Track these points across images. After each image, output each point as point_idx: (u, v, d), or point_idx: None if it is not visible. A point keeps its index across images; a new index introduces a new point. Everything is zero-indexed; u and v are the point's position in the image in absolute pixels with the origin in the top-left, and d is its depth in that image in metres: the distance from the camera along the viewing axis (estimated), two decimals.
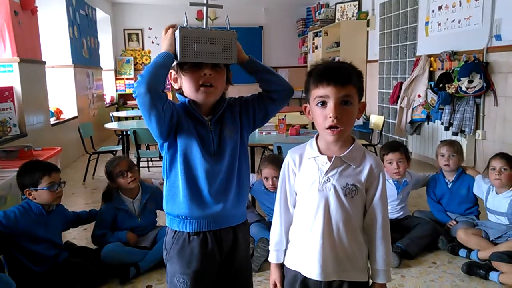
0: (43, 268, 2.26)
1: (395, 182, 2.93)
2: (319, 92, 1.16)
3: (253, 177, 2.99)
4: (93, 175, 4.90)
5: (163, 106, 1.23)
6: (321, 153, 1.24)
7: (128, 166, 2.63)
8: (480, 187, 2.82)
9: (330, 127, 1.16)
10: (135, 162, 4.26)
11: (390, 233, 1.26)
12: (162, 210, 2.90)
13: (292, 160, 1.29)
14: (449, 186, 3.00)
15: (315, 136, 1.28)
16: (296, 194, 1.30)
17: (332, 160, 1.21)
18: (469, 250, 2.61)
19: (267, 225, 2.67)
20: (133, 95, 1.24)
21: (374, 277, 1.25)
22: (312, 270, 1.23)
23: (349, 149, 1.22)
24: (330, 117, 1.15)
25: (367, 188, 1.23)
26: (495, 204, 2.69)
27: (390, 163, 2.90)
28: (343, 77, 1.15)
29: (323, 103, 1.17)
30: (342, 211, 1.21)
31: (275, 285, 1.34)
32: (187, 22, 1.30)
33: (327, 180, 1.21)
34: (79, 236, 2.81)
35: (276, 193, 2.80)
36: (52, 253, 2.32)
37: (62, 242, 2.51)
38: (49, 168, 2.28)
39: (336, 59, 6.82)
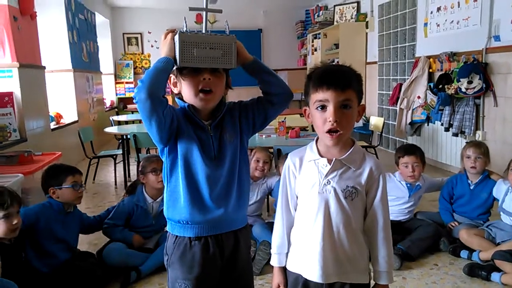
0: (50, 269, 2.29)
1: (408, 185, 2.88)
2: (318, 96, 1.17)
3: (276, 177, 2.99)
4: (94, 179, 4.89)
5: (164, 111, 1.23)
6: (321, 156, 1.24)
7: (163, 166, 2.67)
8: (499, 189, 2.76)
9: (329, 131, 1.17)
10: (136, 166, 4.26)
11: (391, 235, 1.26)
12: None
13: (292, 163, 1.29)
14: (471, 187, 2.92)
15: (315, 139, 1.28)
16: (297, 197, 1.30)
17: (332, 163, 1.22)
18: (471, 251, 2.61)
19: (270, 226, 2.66)
20: (134, 101, 1.23)
21: (376, 279, 1.26)
22: (313, 273, 1.23)
23: (349, 151, 1.22)
24: (329, 121, 1.15)
25: (367, 190, 1.23)
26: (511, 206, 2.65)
27: (405, 166, 2.84)
28: (343, 81, 1.16)
29: (323, 107, 1.17)
30: (342, 213, 1.21)
31: None
32: (186, 26, 1.30)
33: (327, 182, 1.22)
34: (80, 240, 2.79)
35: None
36: (66, 256, 2.40)
37: (77, 246, 2.57)
38: (72, 170, 2.48)
39: (336, 61, 6.83)
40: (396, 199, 2.89)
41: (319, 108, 1.18)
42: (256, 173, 2.95)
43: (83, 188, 2.49)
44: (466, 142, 3.14)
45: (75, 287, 2.26)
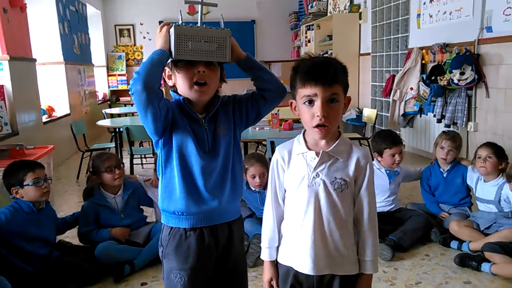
0: (36, 267, 2.26)
1: (387, 171, 2.97)
2: (306, 91, 1.17)
3: None
4: (87, 172, 4.84)
5: (159, 103, 1.25)
6: (309, 149, 1.25)
7: (116, 162, 2.64)
8: (471, 177, 2.88)
9: (317, 126, 1.18)
10: (129, 159, 4.25)
11: (377, 225, 1.27)
12: (147, 205, 2.85)
13: (281, 157, 1.30)
14: (444, 175, 3.03)
15: (302, 131, 1.29)
16: (285, 191, 1.31)
17: (319, 156, 1.22)
18: (461, 242, 2.64)
19: (260, 221, 2.66)
20: (130, 92, 1.25)
21: (361, 268, 1.27)
22: (304, 265, 1.24)
23: (336, 143, 1.23)
24: (317, 116, 1.16)
25: (355, 179, 1.24)
26: (483, 193, 2.76)
27: (393, 155, 2.93)
28: (330, 76, 1.17)
29: (311, 102, 1.18)
30: (332, 205, 1.22)
31: (270, 282, 1.35)
32: (181, 19, 1.32)
33: (316, 175, 1.23)
34: (72, 234, 2.80)
35: (259, 192, 2.76)
36: (45, 251, 2.34)
37: (56, 240, 2.52)
38: (32, 165, 2.33)
39: (329, 53, 6.82)
40: (378, 187, 2.92)
41: (306, 103, 1.18)
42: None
43: (49, 182, 2.36)
44: (443, 132, 3.19)
45: (67, 282, 2.25)
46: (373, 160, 3.04)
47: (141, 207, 2.82)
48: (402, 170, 3.07)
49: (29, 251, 2.25)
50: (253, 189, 2.80)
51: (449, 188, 3.02)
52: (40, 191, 2.29)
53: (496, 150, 2.72)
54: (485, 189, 2.75)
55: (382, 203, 2.94)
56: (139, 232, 2.67)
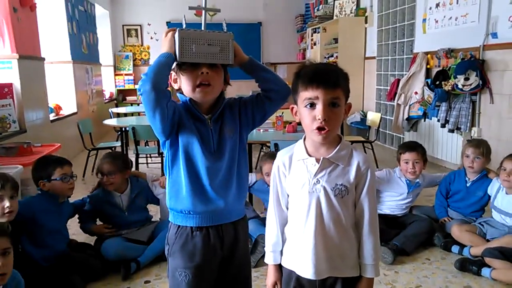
0: (48, 262, 2.30)
1: (408, 182, 2.91)
2: (308, 94, 1.19)
3: (253, 177, 3.03)
4: (92, 171, 4.90)
5: (167, 103, 1.29)
6: (309, 155, 1.26)
7: (108, 171, 2.67)
8: (493, 184, 2.78)
9: (318, 128, 1.19)
10: (134, 159, 4.29)
11: (378, 229, 1.28)
12: (153, 203, 2.88)
13: (282, 162, 1.31)
14: (468, 184, 2.93)
15: (303, 137, 1.30)
16: (288, 196, 1.32)
17: (320, 162, 1.23)
18: (462, 247, 2.65)
19: (264, 221, 2.69)
20: (138, 93, 1.29)
21: (362, 272, 1.28)
22: (306, 270, 1.26)
23: (336, 149, 1.24)
24: (318, 119, 1.17)
25: (356, 185, 1.25)
26: (503, 204, 2.66)
27: (406, 162, 2.87)
28: (332, 80, 1.18)
29: (312, 105, 1.19)
30: (333, 211, 1.23)
31: (274, 285, 1.36)
32: (185, 23, 1.36)
33: (316, 182, 1.23)
34: (78, 231, 2.84)
35: None
36: (61, 247, 2.40)
37: (68, 234, 2.58)
38: (61, 161, 2.43)
39: (335, 56, 6.84)
40: (395, 195, 2.93)
41: (308, 106, 1.19)
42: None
43: (74, 179, 2.46)
44: (468, 140, 3.14)
45: (74, 278, 2.28)
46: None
47: (147, 206, 2.87)
48: (424, 181, 2.98)
49: (48, 244, 2.31)
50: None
51: (468, 198, 2.92)
52: (66, 187, 2.39)
53: None
54: (506, 201, 2.64)
55: (394, 207, 2.92)
56: (144, 230, 2.70)
